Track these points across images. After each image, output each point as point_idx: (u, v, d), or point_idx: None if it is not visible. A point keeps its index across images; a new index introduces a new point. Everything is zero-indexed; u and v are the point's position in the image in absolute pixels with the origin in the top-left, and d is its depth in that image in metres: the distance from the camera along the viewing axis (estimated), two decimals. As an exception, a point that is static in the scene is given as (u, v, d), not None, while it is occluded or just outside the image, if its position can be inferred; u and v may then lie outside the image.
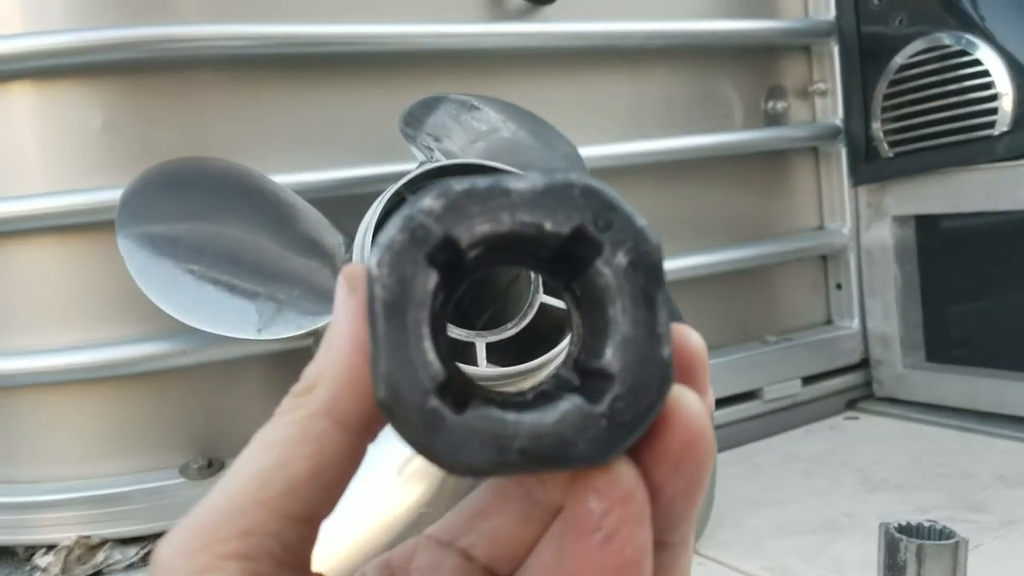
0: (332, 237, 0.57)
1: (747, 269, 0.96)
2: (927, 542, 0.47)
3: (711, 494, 0.68)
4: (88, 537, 0.64)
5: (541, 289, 0.55)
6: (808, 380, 0.97)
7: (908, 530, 0.49)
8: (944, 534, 0.48)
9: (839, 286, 1.01)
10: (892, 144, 0.92)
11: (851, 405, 0.99)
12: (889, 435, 0.90)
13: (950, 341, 0.97)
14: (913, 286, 0.97)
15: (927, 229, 0.97)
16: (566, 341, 0.53)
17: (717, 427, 0.88)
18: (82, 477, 0.66)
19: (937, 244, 0.98)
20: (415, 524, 0.54)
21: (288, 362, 0.68)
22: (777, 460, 0.85)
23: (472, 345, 0.52)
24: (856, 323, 1.00)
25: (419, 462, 0.54)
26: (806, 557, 0.63)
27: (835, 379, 0.99)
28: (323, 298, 0.53)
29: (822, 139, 0.98)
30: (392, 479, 0.54)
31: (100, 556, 0.64)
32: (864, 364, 1.00)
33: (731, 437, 0.90)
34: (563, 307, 0.55)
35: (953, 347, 0.97)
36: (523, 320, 0.54)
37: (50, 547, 0.64)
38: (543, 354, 0.53)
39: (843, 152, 0.98)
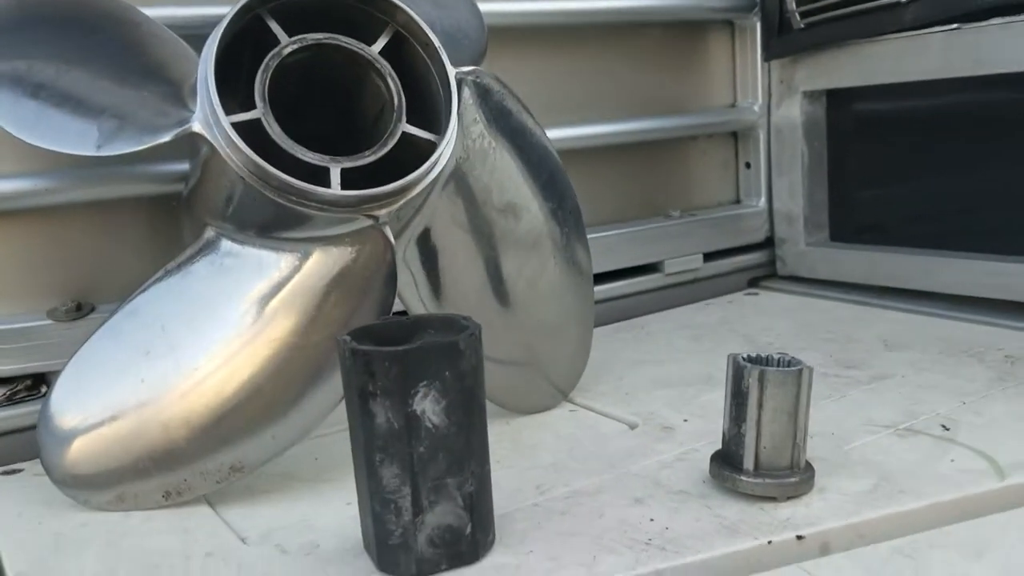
0: (188, 64, 0.55)
1: (657, 143, 0.95)
2: (770, 368, 0.48)
3: (584, 350, 0.68)
4: (-49, 376, 0.62)
5: (404, 118, 0.54)
6: (711, 256, 0.97)
7: (756, 360, 0.49)
8: (790, 364, 0.49)
9: (748, 165, 1.01)
10: (803, 15, 0.90)
11: (754, 283, 1.00)
12: (784, 307, 0.91)
13: (854, 222, 0.98)
14: (820, 165, 0.97)
15: (838, 108, 0.97)
16: (425, 166, 0.52)
17: (614, 298, 0.89)
18: (-53, 318, 0.64)
19: (847, 125, 0.97)
20: (287, 360, 0.53)
21: (160, 207, 0.66)
22: (669, 328, 0.86)
23: (327, 170, 0.51)
24: (763, 202, 1.00)
25: (286, 291, 0.53)
26: (674, 405, 0.64)
27: (739, 256, 0.99)
28: (165, 116, 0.51)
29: (737, 11, 0.96)
30: (258, 314, 0.53)
31: (-37, 394, 0.62)
32: (769, 243, 1.01)
33: (629, 308, 0.90)
34: (428, 137, 0.54)
35: (857, 228, 0.98)
36: (382, 148, 0.53)
37: (-88, 386, 0.62)
38: (402, 183, 0.52)
39: (758, 28, 0.97)
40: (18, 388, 0.64)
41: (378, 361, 0.41)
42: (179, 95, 0.52)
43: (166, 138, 0.50)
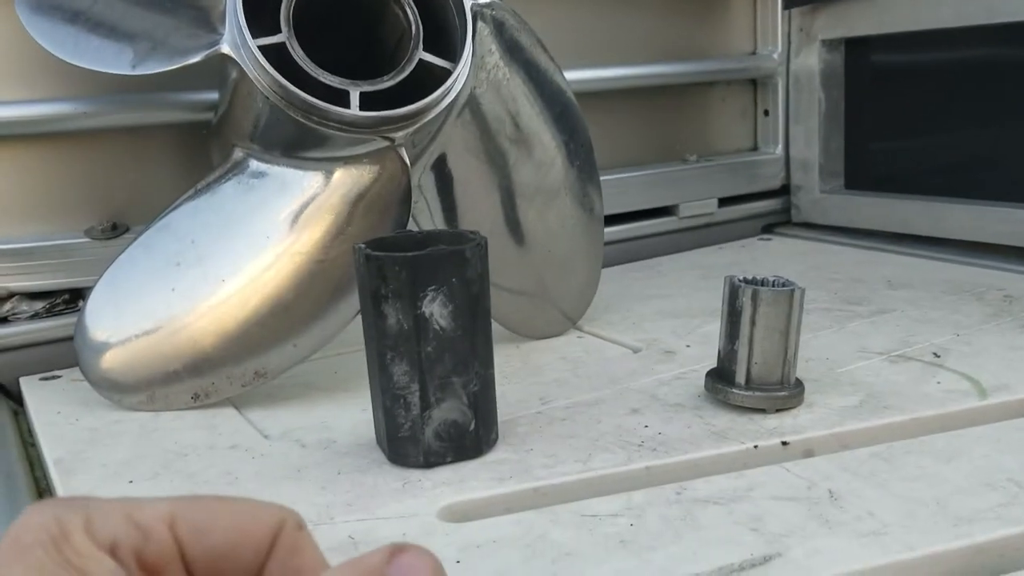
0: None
1: (677, 88, 0.96)
2: (763, 288, 0.50)
3: (593, 282, 0.71)
4: (-5, 289, 0.66)
5: (421, 45, 0.56)
6: (726, 202, 0.99)
7: (751, 281, 0.52)
8: (784, 285, 0.51)
9: (766, 112, 1.02)
10: (823, -38, 0.91)
11: (767, 229, 1.02)
12: (795, 251, 0.93)
13: (870, 171, 0.99)
14: (838, 113, 0.98)
15: (856, 57, 0.97)
16: (440, 91, 0.54)
17: (629, 239, 0.91)
18: (-11, 236, 0.68)
19: (865, 74, 0.98)
20: (309, 273, 0.56)
21: (190, 134, 0.69)
22: (681, 268, 0.88)
23: (347, 93, 0.53)
24: (780, 149, 1.01)
25: (310, 208, 0.56)
26: (678, 333, 0.67)
27: (753, 203, 1.01)
28: (196, 39, 0.54)
29: (758, -41, 0.97)
30: (283, 229, 0.56)
31: (7, 306, 0.66)
32: (784, 191, 1.03)
33: (643, 250, 0.93)
34: (443, 64, 0.56)
35: (872, 177, 0.99)
36: (400, 74, 0.55)
37: (-42, 298, 0.66)
38: (419, 107, 0.54)
39: (779, -25, 0.98)
40: (57, 302, 0.68)
41: (390, 265, 0.44)
42: (208, 20, 0.54)
43: (196, 58, 0.53)
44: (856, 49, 0.96)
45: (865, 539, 0.37)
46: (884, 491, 0.41)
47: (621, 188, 0.90)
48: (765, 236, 1.00)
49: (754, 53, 1.01)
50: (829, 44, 0.96)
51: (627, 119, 0.94)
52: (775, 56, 1.00)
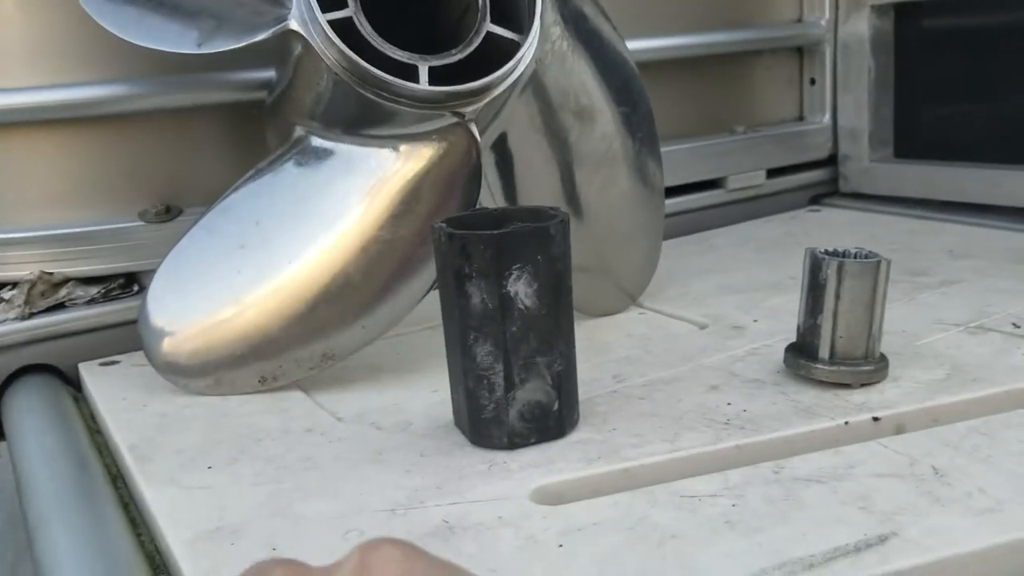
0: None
1: (721, 57, 0.95)
2: (848, 260, 0.49)
3: (654, 259, 0.70)
4: (51, 274, 0.66)
5: (488, 18, 0.55)
6: (774, 173, 0.97)
7: (834, 254, 0.50)
8: (868, 256, 0.50)
9: (813, 81, 1.00)
10: (874, -75, 0.89)
11: (815, 200, 1.01)
12: (847, 222, 0.92)
13: (920, 139, 0.97)
14: (887, 81, 0.96)
15: (906, 23, 0.95)
16: (510, 63, 0.53)
17: (677, 213, 0.90)
18: (42, 221, 0.67)
19: (915, 40, 0.96)
20: (376, 253, 0.55)
21: (242, 114, 0.68)
22: (733, 241, 0.87)
23: (416, 67, 0.52)
24: (827, 118, 1.00)
25: (375, 186, 0.55)
26: (743, 308, 0.65)
27: (801, 173, 0.99)
28: (261, 15, 0.52)
29: (805, -77, 0.95)
30: (350, 208, 0.55)
31: (63, 292, 0.66)
32: (832, 161, 1.01)
33: (691, 223, 0.91)
34: (512, 37, 0.55)
35: (922, 145, 0.97)
36: (468, 47, 0.54)
37: (15, 284, 0.65)
38: (486, 81, 0.53)
39: (826, -60, 0.96)
40: (112, 287, 0.67)
41: (474, 244, 0.43)
42: (274, -5, 0.53)
43: (264, 35, 0.51)
44: (907, 14, 0.94)
45: (981, 516, 0.36)
46: (990, 467, 0.40)
47: (669, 161, 0.87)
48: (814, 207, 0.99)
49: (800, 20, 0.99)
50: (879, 9, 0.94)
51: (672, 90, 0.92)
52: (822, 23, 0.97)
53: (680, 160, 0.90)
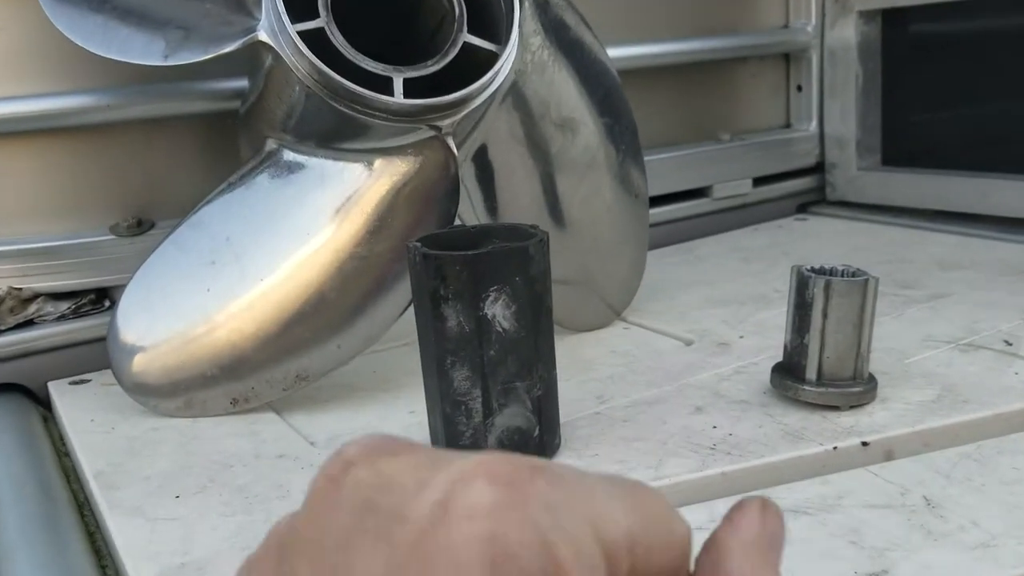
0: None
1: (707, 64, 0.93)
2: (835, 278, 0.48)
3: (638, 271, 0.68)
4: (20, 290, 0.64)
5: (465, 28, 0.53)
6: (760, 181, 0.96)
7: (820, 271, 0.49)
8: (855, 274, 0.49)
9: (799, 88, 0.99)
10: (861, -69, 0.88)
11: (802, 208, 0.99)
12: (835, 231, 0.91)
13: (908, 146, 0.96)
14: (874, 87, 0.95)
15: (893, 29, 0.94)
16: (488, 75, 0.51)
17: (663, 222, 0.88)
18: (11, 235, 0.65)
19: (903, 46, 0.95)
20: (351, 270, 0.53)
21: (215, 125, 0.66)
22: (719, 251, 0.85)
23: (390, 80, 0.51)
24: (814, 126, 0.98)
25: (350, 201, 0.54)
26: (729, 323, 0.64)
27: (788, 181, 0.98)
28: (230, 26, 0.51)
29: (791, -72, 0.94)
30: (323, 224, 0.53)
31: (32, 308, 0.64)
32: (819, 169, 1.00)
33: (677, 233, 0.90)
34: (489, 47, 0.53)
35: (910, 153, 0.96)
36: (444, 59, 0.52)
37: (-19, 300, 0.63)
38: (464, 93, 0.52)
39: (812, -55, 0.94)
40: (83, 302, 0.65)
41: (450, 265, 0.41)
42: (243, 5, 0.52)
43: (232, 47, 0.50)
44: (894, 20, 0.93)
45: (975, 552, 0.35)
46: (983, 497, 0.39)
47: (654, 170, 0.86)
48: (801, 216, 0.97)
49: (786, 26, 0.98)
50: (866, 15, 0.92)
51: (657, 97, 0.91)
52: (809, 29, 0.96)
53: (665, 168, 0.89)
